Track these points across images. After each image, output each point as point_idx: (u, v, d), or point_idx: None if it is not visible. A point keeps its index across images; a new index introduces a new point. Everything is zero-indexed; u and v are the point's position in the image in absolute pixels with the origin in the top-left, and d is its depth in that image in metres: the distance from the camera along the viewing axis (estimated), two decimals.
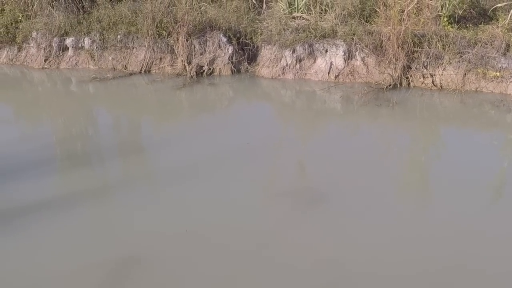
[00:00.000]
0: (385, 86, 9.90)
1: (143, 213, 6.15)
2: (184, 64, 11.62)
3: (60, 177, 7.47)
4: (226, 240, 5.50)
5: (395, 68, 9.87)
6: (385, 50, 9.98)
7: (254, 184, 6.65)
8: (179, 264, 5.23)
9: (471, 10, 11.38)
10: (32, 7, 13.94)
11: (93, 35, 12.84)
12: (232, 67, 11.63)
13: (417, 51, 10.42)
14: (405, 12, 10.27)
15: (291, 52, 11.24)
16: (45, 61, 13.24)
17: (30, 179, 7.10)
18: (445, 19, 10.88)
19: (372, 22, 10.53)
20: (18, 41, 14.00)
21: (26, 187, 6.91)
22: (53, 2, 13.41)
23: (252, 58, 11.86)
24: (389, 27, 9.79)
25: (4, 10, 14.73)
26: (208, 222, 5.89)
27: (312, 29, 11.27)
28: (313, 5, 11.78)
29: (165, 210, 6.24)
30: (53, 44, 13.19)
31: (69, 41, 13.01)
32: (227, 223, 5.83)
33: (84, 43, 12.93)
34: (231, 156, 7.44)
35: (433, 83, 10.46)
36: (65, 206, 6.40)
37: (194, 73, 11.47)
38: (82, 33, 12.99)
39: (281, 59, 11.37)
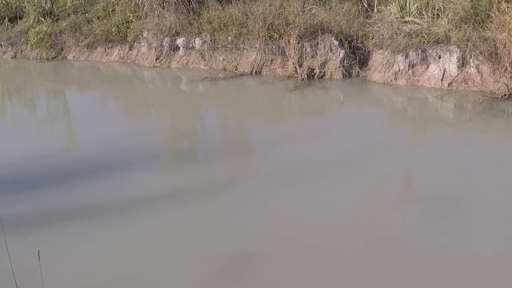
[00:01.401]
0: (500, 96, 10.20)
1: (250, 211, 6.78)
2: (295, 67, 13.24)
3: (167, 173, 8.48)
4: (341, 245, 5.93)
5: (510, 77, 10.25)
6: (500, 58, 10.38)
7: (368, 188, 7.15)
8: (292, 262, 5.68)
9: None
10: (143, 8, 16.27)
11: (204, 36, 14.96)
12: (344, 71, 13.01)
13: None
14: None
15: (403, 57, 12.40)
16: (156, 59, 15.52)
17: (138, 173, 8.09)
18: None
19: (486, 28, 10.93)
20: (129, 40, 16.46)
21: (134, 181, 7.86)
22: (163, 3, 15.55)
23: (364, 62, 13.20)
24: (504, 34, 10.23)
25: (115, 10, 17.30)
26: (320, 224, 6.37)
27: (425, 34, 12.35)
28: (425, 9, 12.79)
29: (273, 210, 6.79)
30: (164, 44, 15.48)
31: (180, 41, 15.25)
32: (342, 226, 6.28)
33: (195, 43, 15.11)
34: (341, 159, 8.05)
35: None
36: (171, 201, 7.19)
37: (306, 75, 12.98)
38: (193, 33, 15.17)
39: (393, 64, 12.56)
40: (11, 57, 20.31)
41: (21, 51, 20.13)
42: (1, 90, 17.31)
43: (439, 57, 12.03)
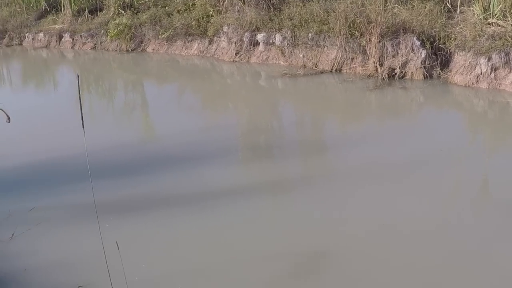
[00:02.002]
0: None
1: (324, 210, 6.98)
2: (376, 66, 13.89)
3: (242, 167, 8.85)
4: (414, 247, 6.00)
5: None
6: None
7: (445, 192, 7.22)
8: (367, 261, 5.79)
9: None
10: (223, 2, 17.46)
11: (284, 32, 15.90)
12: (424, 72, 13.49)
13: None
14: None
15: (486, 60, 12.69)
16: (235, 54, 16.66)
17: (214, 166, 8.50)
18: None
19: None
20: (209, 35, 17.65)
21: (209, 174, 8.25)
22: None
23: (445, 63, 13.62)
24: None
25: (195, 4, 18.51)
26: (394, 225, 6.46)
27: (509, 37, 12.65)
28: (509, 11, 13.05)
29: (348, 209, 6.99)
30: (244, 39, 16.55)
31: (260, 36, 16.26)
32: (417, 229, 6.33)
33: (275, 39, 16.07)
34: (419, 161, 8.14)
35: None
36: (245, 195, 7.46)
37: (386, 75, 13.58)
38: (273, 29, 16.13)
39: (475, 67, 12.88)
40: (91, 48, 21.86)
41: (100, 43, 21.64)
42: (80, 81, 18.43)
43: None
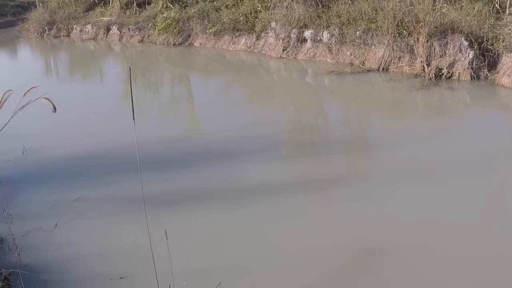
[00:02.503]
0: None
1: (368, 207, 7.24)
2: (423, 66, 14.21)
3: (286, 163, 9.15)
4: (459, 246, 6.21)
5: None
6: None
7: (489, 194, 7.40)
8: (421, 258, 6.00)
9: None
10: None
11: (332, 29, 16.42)
12: (472, 73, 13.78)
13: None
14: None
15: None
16: (283, 50, 17.25)
17: (258, 162, 8.85)
18: None
19: None
20: (257, 30, 18.23)
21: (253, 169, 8.62)
22: None
23: (493, 65, 13.84)
24: None
25: (243, 0, 19.04)
26: (442, 222, 6.71)
27: None
28: None
29: (392, 207, 7.20)
30: (291, 35, 17.11)
31: (308, 33, 16.85)
32: (461, 230, 6.54)
33: (322, 36, 16.62)
34: (464, 162, 8.36)
35: None
36: (289, 191, 7.81)
37: (433, 75, 13.92)
38: (321, 26, 16.64)
39: None
40: (138, 41, 22.74)
41: (148, 36, 22.48)
42: (126, 73, 19.29)
43: None
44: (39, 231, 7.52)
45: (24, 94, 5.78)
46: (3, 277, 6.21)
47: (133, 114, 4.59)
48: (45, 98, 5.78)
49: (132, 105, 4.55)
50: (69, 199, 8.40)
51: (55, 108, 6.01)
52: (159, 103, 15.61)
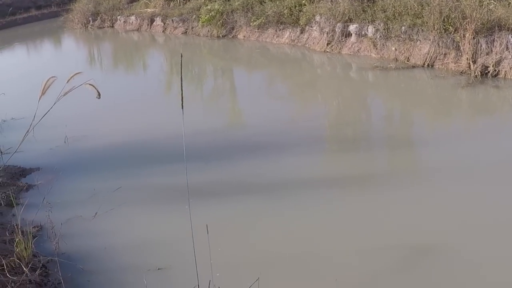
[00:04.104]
0: None
1: (411, 205, 7.32)
2: (469, 63, 14.30)
3: (328, 158, 9.38)
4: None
5: None
6: None
7: None
8: (471, 257, 6.05)
9: None
10: None
11: (377, 24, 16.66)
12: None
13: None
14: None
15: None
16: (327, 44, 17.58)
17: (299, 156, 9.11)
18: None
19: None
20: (301, 24, 18.56)
21: (294, 162, 8.82)
22: None
23: None
24: None
25: None
26: (489, 220, 6.77)
27: None
28: None
29: (435, 205, 7.24)
30: (336, 29, 17.44)
31: (352, 27, 17.14)
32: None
33: (367, 31, 16.88)
34: (507, 163, 8.31)
35: None
36: (331, 186, 7.94)
37: (479, 73, 13.96)
38: (366, 21, 16.89)
39: None
40: (182, 33, 23.28)
41: (192, 28, 23.01)
42: (170, 65, 19.93)
43: None
44: (79, 219, 7.89)
45: (68, 80, 5.86)
46: (41, 264, 6.53)
47: (182, 102, 4.73)
48: (89, 84, 5.81)
49: (182, 92, 4.66)
50: (110, 188, 8.74)
51: (99, 94, 5.99)
52: (202, 95, 16.08)
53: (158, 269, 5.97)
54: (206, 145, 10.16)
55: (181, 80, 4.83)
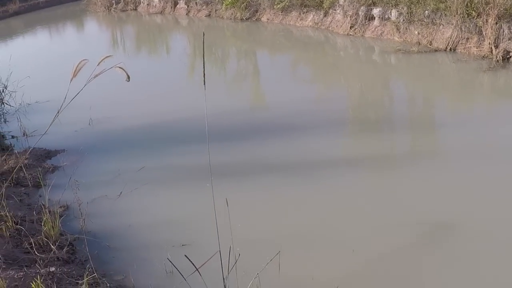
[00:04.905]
0: None
1: (431, 184, 7.54)
2: (491, 47, 14.51)
3: (350, 139, 9.67)
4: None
5: None
6: None
7: None
8: (492, 232, 6.25)
9: None
10: None
11: (400, 8, 16.86)
12: None
13: None
14: None
15: None
16: (350, 28, 17.82)
17: (322, 136, 9.38)
18: None
19: None
20: (325, 7, 18.81)
21: (317, 143, 9.04)
22: None
23: None
24: None
25: None
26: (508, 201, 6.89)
27: None
28: None
29: (456, 185, 7.47)
30: (359, 13, 17.71)
31: (376, 11, 17.38)
32: None
33: (391, 14, 17.10)
34: None
35: None
36: (353, 166, 8.27)
37: (501, 57, 14.16)
38: (390, 4, 17.13)
39: None
40: (206, 16, 23.58)
41: (215, 10, 23.29)
42: (193, 47, 20.25)
43: None
44: (104, 199, 8.20)
45: (99, 63, 5.92)
46: (68, 242, 6.84)
47: (204, 80, 4.74)
48: (119, 67, 5.92)
49: (204, 70, 4.69)
50: (134, 168, 9.02)
51: (129, 77, 6.09)
52: (225, 77, 16.33)
53: (182, 245, 6.22)
54: (229, 126, 10.46)
55: (203, 57, 4.94)
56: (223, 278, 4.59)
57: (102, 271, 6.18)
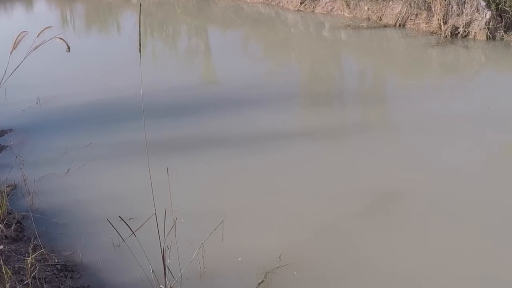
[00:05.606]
0: None
1: (380, 155, 7.72)
2: (440, 23, 14.85)
3: (301, 112, 9.73)
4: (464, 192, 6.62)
5: None
6: None
7: (487, 147, 7.84)
8: (435, 201, 6.40)
9: None
10: None
11: None
12: (488, 33, 14.34)
13: None
14: None
15: None
16: (300, 3, 17.89)
17: (272, 110, 9.42)
18: None
19: None
20: None
21: (268, 117, 9.13)
22: None
23: (509, 26, 14.44)
24: None
25: None
26: (448, 170, 7.19)
27: None
28: None
29: (403, 155, 7.74)
30: None
31: None
32: (471, 175, 7.07)
33: None
34: (470, 117, 8.85)
35: None
36: (304, 139, 8.28)
37: (449, 33, 14.58)
38: None
39: None
40: None
41: None
42: (144, 24, 20.05)
43: None
44: (52, 176, 8.08)
45: (38, 35, 5.82)
46: (16, 220, 6.72)
47: (140, 48, 4.64)
48: (59, 38, 5.84)
49: (140, 38, 4.56)
50: (81, 145, 8.94)
51: (69, 48, 6.03)
52: (176, 55, 16.32)
53: (130, 219, 5.98)
54: (181, 102, 10.51)
55: (139, 26, 4.99)
56: (159, 241, 4.66)
57: (50, 247, 6.13)
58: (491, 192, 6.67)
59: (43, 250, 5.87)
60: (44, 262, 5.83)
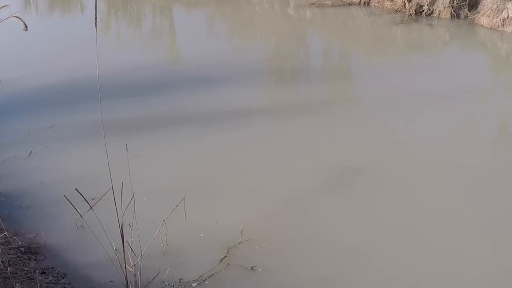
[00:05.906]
0: None
1: (344, 130, 8.00)
2: (404, 1, 14.97)
3: (266, 89, 9.90)
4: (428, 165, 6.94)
5: None
6: None
7: (450, 121, 8.17)
8: (395, 175, 6.67)
9: None
10: None
11: None
12: (452, 11, 14.60)
13: None
14: None
15: None
16: None
17: (238, 87, 9.54)
18: None
19: None
20: None
21: (234, 94, 9.26)
22: None
23: (473, 5, 14.66)
24: None
25: None
26: (410, 145, 7.53)
27: None
28: None
29: (367, 130, 7.91)
30: None
31: None
32: (432, 149, 7.34)
33: None
34: (434, 93, 9.23)
35: None
36: (270, 115, 8.48)
37: (414, 11, 14.75)
38: None
39: (502, 10, 13.84)
40: None
41: None
42: (107, 5, 19.89)
43: None
44: (14, 159, 7.96)
45: None
46: None
47: (96, 22, 4.87)
48: (15, 16, 5.77)
49: (96, 13, 4.85)
50: (44, 127, 8.80)
51: (26, 26, 5.95)
52: (140, 35, 16.12)
53: (92, 199, 6.22)
54: (145, 81, 10.50)
55: (96, 1, 5.17)
56: (117, 217, 4.68)
57: (14, 230, 6.12)
58: (451, 166, 6.98)
59: (6, 233, 5.81)
60: (7, 245, 5.79)
